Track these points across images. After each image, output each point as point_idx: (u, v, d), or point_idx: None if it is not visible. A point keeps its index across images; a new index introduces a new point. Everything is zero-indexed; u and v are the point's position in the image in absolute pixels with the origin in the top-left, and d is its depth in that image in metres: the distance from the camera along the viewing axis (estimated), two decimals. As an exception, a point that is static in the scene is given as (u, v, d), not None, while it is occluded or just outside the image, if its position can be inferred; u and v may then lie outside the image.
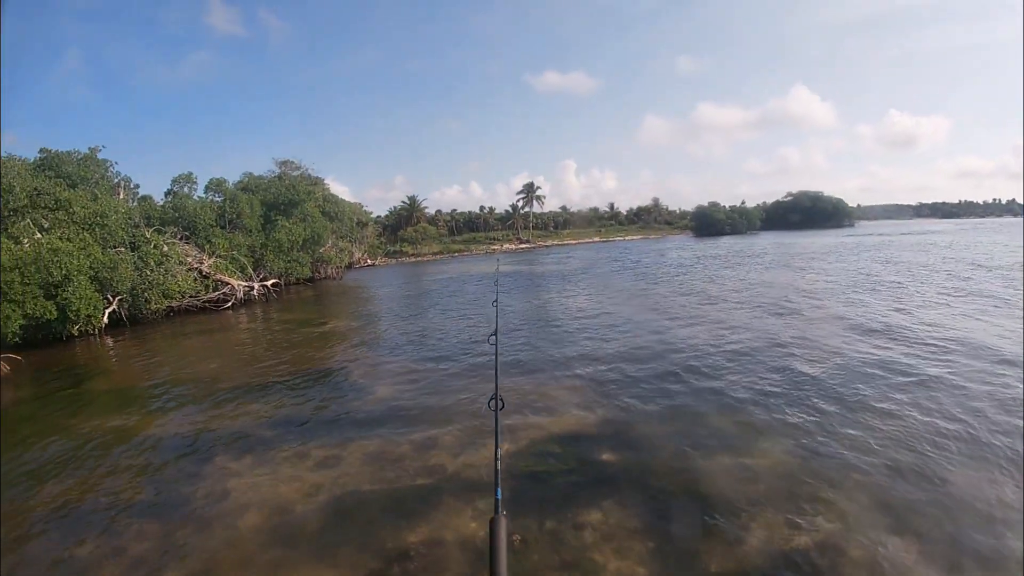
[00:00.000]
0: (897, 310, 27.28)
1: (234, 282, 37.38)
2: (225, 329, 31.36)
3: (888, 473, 11.25)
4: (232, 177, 49.31)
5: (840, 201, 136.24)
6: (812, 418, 14.16)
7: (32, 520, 10.67)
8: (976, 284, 35.09)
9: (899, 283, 36.79)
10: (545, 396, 16.86)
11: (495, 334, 6.36)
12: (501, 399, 4.33)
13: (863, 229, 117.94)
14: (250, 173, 52.25)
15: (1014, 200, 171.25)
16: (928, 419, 13.74)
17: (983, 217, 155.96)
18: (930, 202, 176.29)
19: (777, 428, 13.71)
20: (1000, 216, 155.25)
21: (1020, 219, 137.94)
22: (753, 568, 8.84)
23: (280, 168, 54.42)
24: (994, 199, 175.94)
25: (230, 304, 36.44)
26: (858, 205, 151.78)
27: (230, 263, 38.42)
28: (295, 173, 54.60)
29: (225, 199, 44.72)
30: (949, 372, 16.98)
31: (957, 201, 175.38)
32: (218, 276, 36.54)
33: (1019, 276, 37.95)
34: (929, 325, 23.28)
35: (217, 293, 36.03)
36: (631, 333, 24.83)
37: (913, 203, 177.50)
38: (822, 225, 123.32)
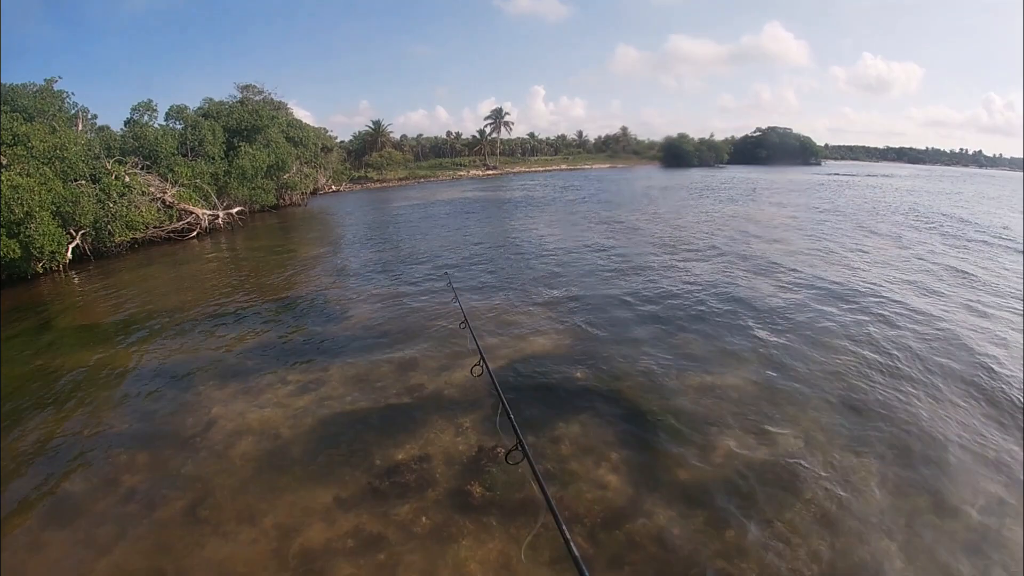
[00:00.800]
0: (854, 250, 28.96)
1: (198, 211, 36.83)
2: (191, 259, 30.92)
3: (846, 396, 11.93)
4: (193, 104, 47.77)
5: (808, 139, 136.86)
6: (777, 342, 14.86)
7: (18, 459, 10.50)
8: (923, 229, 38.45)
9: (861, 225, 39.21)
10: (519, 319, 17.28)
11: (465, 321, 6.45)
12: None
13: (829, 168, 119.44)
14: (211, 99, 50.52)
15: (980, 152, 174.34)
16: (885, 347, 14.56)
17: (948, 165, 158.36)
18: (897, 147, 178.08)
19: (744, 351, 14.37)
20: (966, 166, 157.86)
21: (984, 170, 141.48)
22: (720, 477, 9.44)
23: (242, 93, 52.59)
24: (961, 149, 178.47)
25: (195, 233, 36.03)
26: (826, 145, 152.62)
27: (193, 192, 37.68)
28: (257, 98, 52.82)
29: (186, 126, 43.55)
30: (906, 308, 17.94)
31: (924, 148, 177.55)
32: (182, 205, 35.85)
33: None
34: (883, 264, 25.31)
35: (181, 223, 35.42)
36: (601, 260, 25.22)
37: (881, 146, 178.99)
38: (789, 162, 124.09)
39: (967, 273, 22.84)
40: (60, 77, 36.94)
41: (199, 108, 48.68)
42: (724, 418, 11.11)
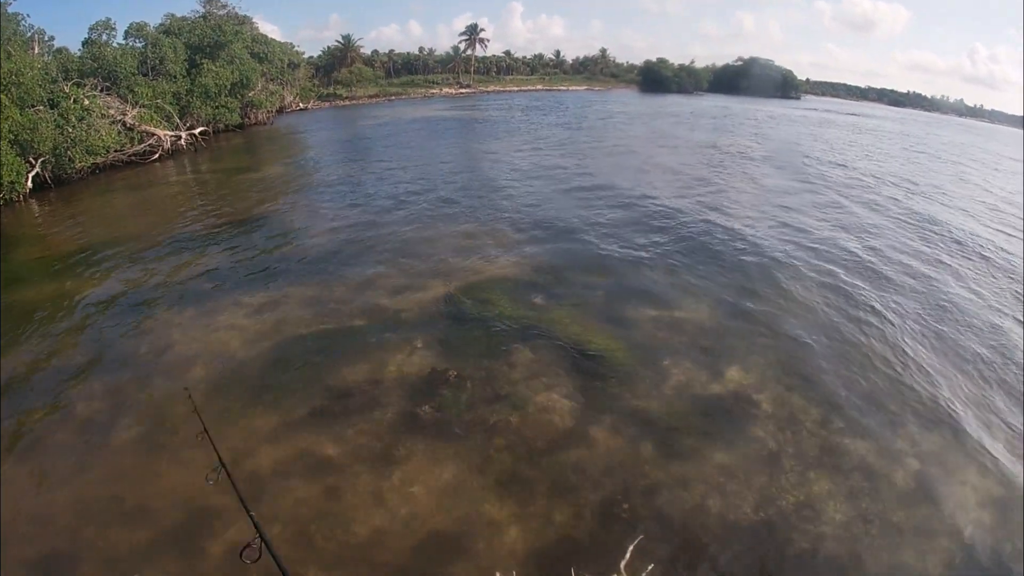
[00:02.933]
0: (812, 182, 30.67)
1: (160, 132, 35.92)
2: (153, 183, 30.39)
3: (801, 332, 12.26)
4: (154, 21, 46.37)
5: (790, 72, 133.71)
6: (737, 279, 15.11)
7: None
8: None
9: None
10: (481, 244, 17.35)
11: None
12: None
13: (808, 103, 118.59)
14: (172, 14, 48.45)
15: (961, 100, 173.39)
16: (838, 283, 15.09)
17: (928, 111, 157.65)
18: (879, 88, 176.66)
19: (702, 286, 14.55)
20: (945, 114, 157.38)
21: (964, 119, 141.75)
22: (669, 409, 9.65)
23: (205, 7, 49.76)
24: (943, 95, 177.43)
25: (157, 156, 35.19)
26: (808, 79, 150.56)
27: (155, 113, 36.64)
28: (220, 12, 50.22)
29: (147, 44, 41.83)
30: (866, 243, 19.11)
31: (906, 92, 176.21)
32: (143, 127, 34.96)
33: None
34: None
35: (143, 145, 34.54)
36: (568, 190, 25.12)
37: (863, 86, 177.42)
38: (769, 94, 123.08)
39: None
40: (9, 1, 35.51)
41: (160, 25, 46.96)
42: (678, 351, 11.32)
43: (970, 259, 18.40)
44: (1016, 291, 15.89)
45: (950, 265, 17.50)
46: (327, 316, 12.64)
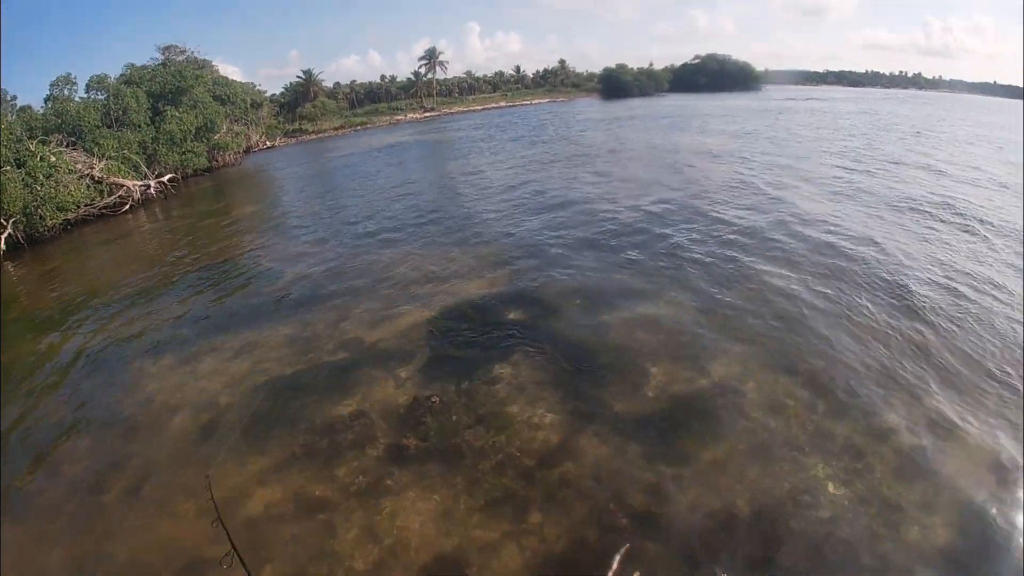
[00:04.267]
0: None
1: (129, 183, 35.86)
2: (126, 234, 30.18)
3: (780, 324, 12.29)
4: (114, 72, 47.22)
5: (747, 65, 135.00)
6: (709, 274, 15.18)
7: None
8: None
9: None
10: (452, 265, 17.42)
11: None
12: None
13: (768, 93, 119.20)
14: (133, 64, 48.94)
15: (919, 74, 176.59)
16: (814, 279, 14.80)
17: (888, 88, 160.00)
18: (837, 70, 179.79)
19: (676, 284, 14.65)
20: (905, 88, 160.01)
21: (923, 92, 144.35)
22: (653, 410, 9.70)
23: (164, 54, 50.03)
24: (900, 71, 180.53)
25: (128, 207, 35.07)
26: (766, 70, 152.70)
27: (122, 164, 36.57)
28: (180, 58, 50.79)
29: (109, 96, 42.13)
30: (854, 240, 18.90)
31: (864, 71, 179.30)
32: (112, 179, 34.91)
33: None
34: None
35: (113, 197, 34.48)
36: (534, 200, 25.36)
37: (820, 70, 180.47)
38: (729, 88, 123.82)
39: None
40: (-26, 62, 35.46)
41: (121, 75, 47.17)
42: (657, 351, 11.40)
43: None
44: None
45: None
46: (307, 354, 12.67)
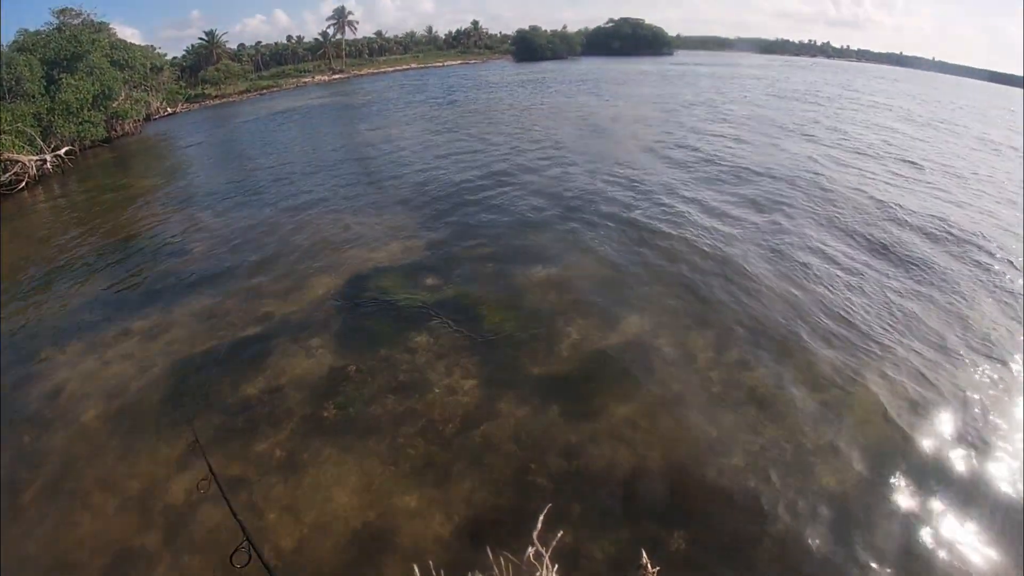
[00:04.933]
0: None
1: (24, 158, 33.56)
2: (22, 213, 28.44)
3: (689, 280, 12.85)
4: (6, 39, 45.68)
5: (660, 30, 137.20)
6: (617, 234, 15.63)
7: None
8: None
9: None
10: (364, 229, 17.44)
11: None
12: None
13: (681, 58, 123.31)
14: (25, 30, 46.10)
15: (828, 43, 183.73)
16: (726, 228, 15.92)
17: (796, 55, 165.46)
18: (748, 37, 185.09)
19: (584, 244, 15.03)
20: (813, 56, 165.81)
21: (832, 60, 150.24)
22: (569, 369, 10.01)
23: (58, 19, 47.68)
24: (810, 40, 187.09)
25: (24, 184, 32.91)
26: (678, 35, 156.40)
27: (16, 138, 34.27)
28: (75, 22, 48.18)
29: (0, 65, 39.56)
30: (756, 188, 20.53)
31: (774, 39, 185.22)
32: (5, 156, 32.53)
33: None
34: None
35: (7, 175, 32.30)
36: (445, 163, 25.61)
37: (731, 37, 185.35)
38: (642, 52, 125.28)
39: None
40: None
41: (13, 42, 44.22)
42: (569, 311, 11.68)
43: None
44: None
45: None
46: (218, 331, 12.39)
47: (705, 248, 14.49)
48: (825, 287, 12.73)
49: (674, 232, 15.50)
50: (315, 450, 8.57)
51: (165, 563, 7.21)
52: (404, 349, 10.80)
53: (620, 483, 7.69)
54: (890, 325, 11.37)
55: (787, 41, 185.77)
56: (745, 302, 11.94)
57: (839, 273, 13.44)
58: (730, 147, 26.44)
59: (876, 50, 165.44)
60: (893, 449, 8.23)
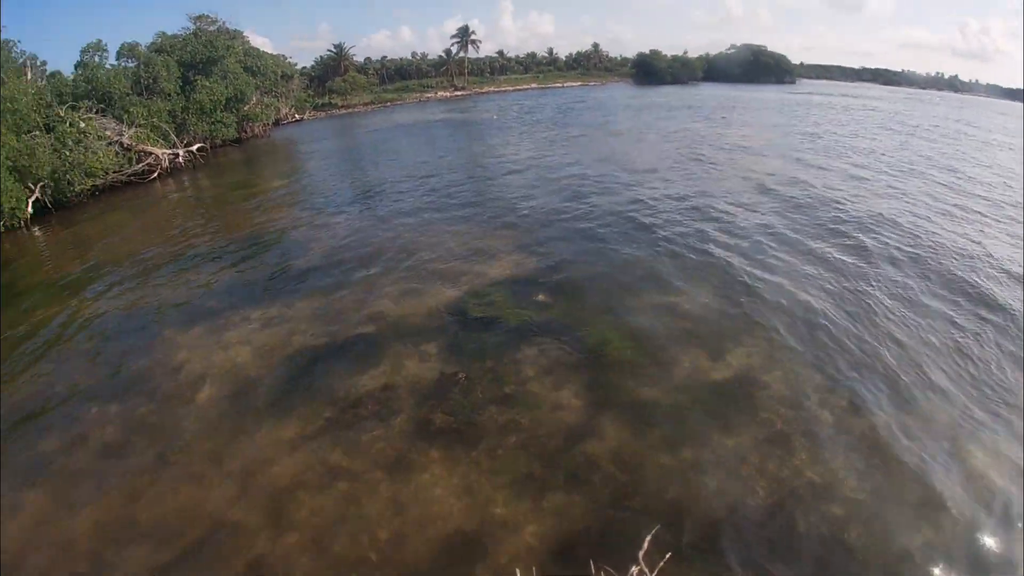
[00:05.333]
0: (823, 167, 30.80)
1: (158, 151, 35.82)
2: (154, 202, 30.36)
3: (810, 318, 12.26)
4: (145, 40, 47.00)
5: (783, 57, 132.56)
6: (737, 265, 15.11)
7: None
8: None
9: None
10: (483, 244, 17.47)
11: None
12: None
13: (804, 87, 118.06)
14: (164, 33, 48.42)
15: (956, 76, 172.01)
16: (849, 271, 14.98)
17: (923, 89, 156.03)
18: (873, 67, 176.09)
19: (703, 273, 14.65)
20: (940, 90, 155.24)
21: (959, 95, 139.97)
22: (677, 397, 9.72)
23: (195, 24, 49.19)
24: (937, 73, 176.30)
25: (156, 175, 35.10)
26: (801, 63, 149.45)
27: (151, 132, 36.43)
28: (211, 28, 49.84)
29: (139, 64, 41.91)
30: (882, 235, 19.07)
31: (900, 70, 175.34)
32: (140, 147, 34.81)
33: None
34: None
35: (141, 165, 34.46)
36: (566, 184, 25.23)
37: (856, 66, 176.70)
38: (764, 80, 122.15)
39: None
40: (5, 26, 35.98)
41: (152, 44, 46.83)
42: (683, 338, 11.41)
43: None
44: None
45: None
46: (335, 326, 12.69)
47: (816, 290, 13.78)
48: (941, 340, 11.76)
49: (789, 272, 14.86)
50: (421, 451, 8.66)
51: (262, 541, 7.34)
52: (512, 362, 10.80)
53: (720, 515, 7.40)
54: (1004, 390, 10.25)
55: (914, 73, 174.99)
56: (860, 348, 11.24)
57: (955, 330, 12.23)
58: (850, 187, 24.86)
59: (1006, 85, 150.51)
60: (1001, 513, 7.53)
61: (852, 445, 8.58)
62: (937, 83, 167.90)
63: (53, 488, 8.71)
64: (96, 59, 40.11)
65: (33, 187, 26.77)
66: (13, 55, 35.61)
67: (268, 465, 8.63)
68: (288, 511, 7.74)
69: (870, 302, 13.13)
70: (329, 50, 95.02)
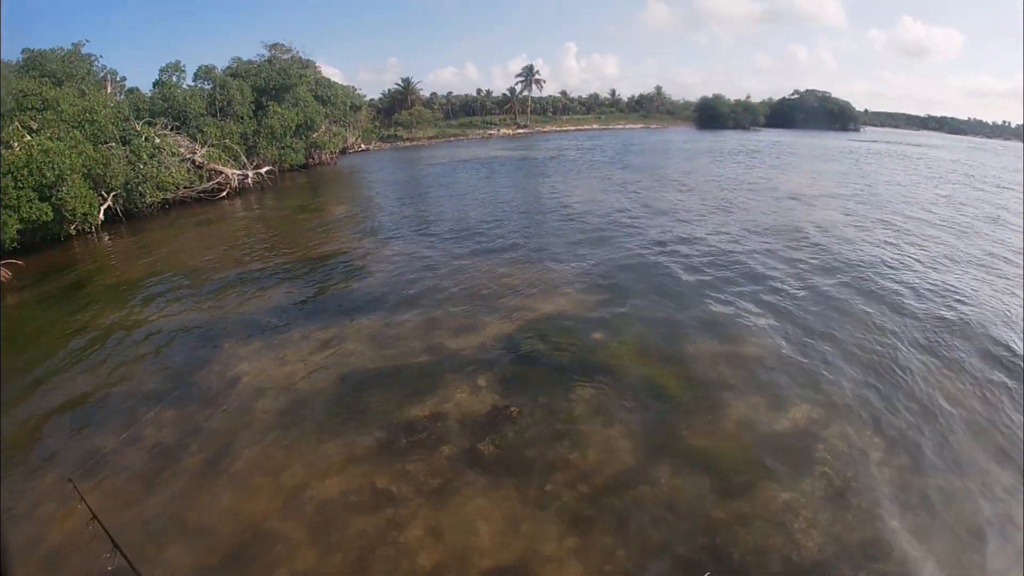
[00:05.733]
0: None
1: (228, 171, 36.83)
2: (221, 219, 31.30)
3: (871, 371, 11.80)
4: (221, 64, 49.13)
5: (847, 104, 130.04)
6: (799, 311, 14.78)
7: (49, 416, 10.93)
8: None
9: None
10: (542, 279, 17.48)
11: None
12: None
13: (869, 135, 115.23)
14: (239, 58, 50.61)
15: None
16: (917, 323, 14.34)
17: (990, 137, 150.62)
18: (938, 115, 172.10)
19: (764, 320, 14.29)
20: (1007, 140, 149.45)
21: None
22: (731, 445, 9.47)
23: (270, 52, 51.06)
24: (1004, 121, 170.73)
25: (225, 193, 36.07)
26: (865, 110, 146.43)
27: (223, 152, 37.63)
28: (285, 56, 51.58)
29: (215, 86, 43.34)
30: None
31: (966, 118, 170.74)
32: (211, 165, 35.91)
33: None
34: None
35: (211, 183, 35.51)
36: (625, 225, 25.04)
37: (921, 114, 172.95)
38: (827, 126, 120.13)
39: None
40: (87, 40, 37.52)
41: (227, 68, 48.61)
42: (740, 385, 11.10)
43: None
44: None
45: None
46: (390, 352, 12.82)
47: (883, 348, 13.06)
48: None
49: (844, 325, 14.21)
50: (468, 481, 8.56)
51: (304, 555, 7.35)
52: (565, 399, 10.66)
53: (771, 568, 7.08)
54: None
55: (981, 122, 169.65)
56: (921, 407, 10.71)
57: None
58: (920, 242, 23.90)
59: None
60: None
61: (909, 505, 8.22)
62: (1004, 132, 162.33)
63: (104, 481, 8.92)
64: (174, 79, 41.72)
65: (106, 195, 27.68)
66: (95, 69, 37.19)
67: (316, 481, 8.69)
68: (332, 529, 7.75)
69: (922, 364, 12.47)
70: (397, 83, 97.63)
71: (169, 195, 31.49)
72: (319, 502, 8.20)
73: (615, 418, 10.02)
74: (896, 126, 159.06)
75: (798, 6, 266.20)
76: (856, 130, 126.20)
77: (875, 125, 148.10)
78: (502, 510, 7.96)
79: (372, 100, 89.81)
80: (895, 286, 16.77)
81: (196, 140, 36.62)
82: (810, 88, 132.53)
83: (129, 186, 28.55)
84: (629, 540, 7.45)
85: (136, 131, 31.37)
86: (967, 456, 9.31)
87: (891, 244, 22.05)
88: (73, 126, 27.61)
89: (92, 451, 9.67)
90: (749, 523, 7.73)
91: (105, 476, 9.02)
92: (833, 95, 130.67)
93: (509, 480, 8.53)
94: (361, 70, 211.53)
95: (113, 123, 30.09)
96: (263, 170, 41.04)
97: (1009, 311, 15.28)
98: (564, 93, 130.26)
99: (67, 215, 24.19)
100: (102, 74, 38.52)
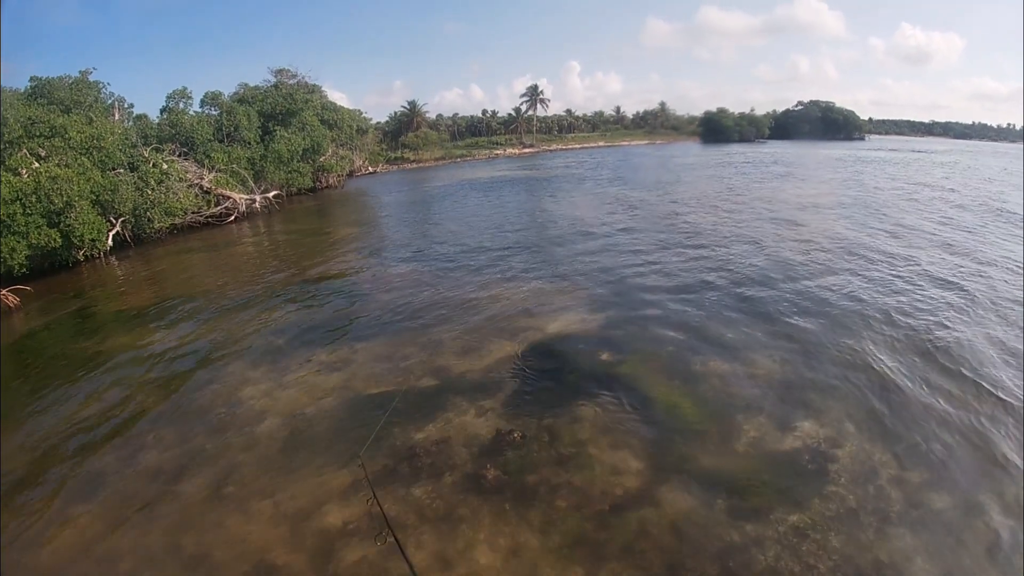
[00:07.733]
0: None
1: (235, 196, 37.11)
2: (229, 243, 31.40)
3: (880, 391, 11.54)
4: (228, 90, 49.59)
5: (851, 113, 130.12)
6: (808, 329, 14.53)
7: (52, 436, 11.08)
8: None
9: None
10: (548, 300, 17.36)
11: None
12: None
13: (875, 143, 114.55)
14: (246, 84, 51.15)
15: None
16: (927, 339, 13.98)
17: (995, 141, 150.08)
18: (943, 121, 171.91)
19: (771, 338, 14.08)
20: (1013, 142, 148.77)
21: None
22: (740, 467, 9.33)
23: (276, 77, 51.85)
24: (1008, 124, 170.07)
25: (233, 218, 36.45)
26: (869, 119, 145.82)
27: (230, 177, 37.94)
28: (292, 81, 52.25)
29: (222, 112, 43.64)
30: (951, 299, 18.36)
31: (970, 123, 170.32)
32: (219, 190, 36.23)
33: None
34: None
35: (219, 208, 35.90)
36: (631, 244, 24.88)
37: (926, 120, 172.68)
38: (832, 136, 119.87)
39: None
40: (95, 68, 37.84)
41: (234, 94, 49.06)
42: (748, 406, 10.94)
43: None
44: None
45: None
46: (395, 376, 12.78)
47: (893, 363, 12.83)
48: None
49: (863, 341, 13.93)
50: (472, 507, 8.48)
51: None
52: (571, 422, 10.57)
53: None
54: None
55: (985, 125, 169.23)
56: (935, 424, 10.48)
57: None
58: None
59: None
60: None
61: (923, 524, 8.06)
62: (1009, 135, 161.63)
63: (104, 506, 8.94)
64: (180, 105, 42.34)
65: (114, 221, 27.96)
66: (102, 96, 37.54)
67: (320, 508, 8.62)
68: (335, 557, 7.69)
69: (937, 377, 12.27)
70: (403, 106, 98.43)
71: (177, 220, 31.74)
72: (321, 530, 8.16)
73: (621, 440, 9.93)
74: (901, 133, 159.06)
75: (797, 17, 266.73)
76: (861, 139, 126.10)
77: (880, 133, 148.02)
78: (505, 536, 7.89)
79: (379, 123, 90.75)
80: (910, 306, 16.45)
81: (204, 165, 36.86)
82: (813, 99, 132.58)
83: (137, 212, 28.81)
84: (635, 566, 7.36)
85: (144, 157, 31.79)
86: (983, 471, 9.17)
87: (897, 257, 21.82)
88: (81, 153, 27.96)
89: (92, 473, 9.75)
90: (760, 546, 7.63)
91: (104, 498, 9.08)
92: (837, 104, 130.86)
93: (513, 506, 8.46)
94: (367, 93, 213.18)
95: (121, 149, 30.49)
96: (271, 194, 41.36)
97: None
98: (569, 111, 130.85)
99: (75, 241, 24.41)
100: (110, 101, 38.84)
